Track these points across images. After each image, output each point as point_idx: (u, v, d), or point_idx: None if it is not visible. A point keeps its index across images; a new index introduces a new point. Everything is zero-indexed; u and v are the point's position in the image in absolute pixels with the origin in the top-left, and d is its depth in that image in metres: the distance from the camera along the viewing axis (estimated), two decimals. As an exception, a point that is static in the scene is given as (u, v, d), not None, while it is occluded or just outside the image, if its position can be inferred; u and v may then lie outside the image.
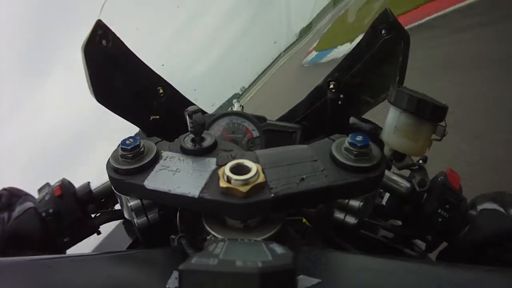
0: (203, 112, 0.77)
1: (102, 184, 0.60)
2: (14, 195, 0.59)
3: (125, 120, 0.73)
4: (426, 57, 3.91)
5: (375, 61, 0.67)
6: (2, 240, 0.52)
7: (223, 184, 0.38)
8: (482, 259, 0.49)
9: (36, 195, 0.60)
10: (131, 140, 0.44)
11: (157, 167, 0.44)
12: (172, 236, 0.42)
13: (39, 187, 0.61)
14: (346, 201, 0.47)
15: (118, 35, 0.66)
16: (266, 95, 2.73)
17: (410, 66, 0.62)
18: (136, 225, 0.49)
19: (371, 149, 0.43)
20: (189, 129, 0.45)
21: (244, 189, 0.37)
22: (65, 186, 0.58)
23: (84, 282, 0.31)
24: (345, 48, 0.87)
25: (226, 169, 0.39)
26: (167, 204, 0.44)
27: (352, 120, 0.58)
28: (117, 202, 0.55)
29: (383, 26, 0.63)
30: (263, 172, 0.40)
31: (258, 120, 0.77)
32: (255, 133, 0.76)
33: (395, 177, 0.57)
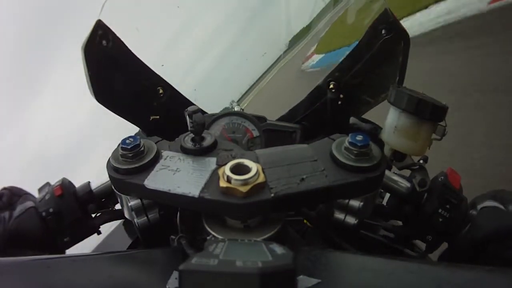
0: (203, 112, 0.77)
1: (103, 184, 0.60)
2: (15, 194, 0.59)
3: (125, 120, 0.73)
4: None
5: (375, 61, 0.67)
6: (3, 239, 0.53)
7: (223, 184, 0.38)
8: (483, 257, 0.49)
9: (36, 194, 0.60)
10: (131, 139, 0.44)
11: (157, 166, 0.44)
12: (172, 236, 0.42)
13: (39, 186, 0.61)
14: (346, 201, 0.47)
15: (118, 35, 0.66)
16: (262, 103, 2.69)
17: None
18: (137, 225, 0.49)
19: (371, 149, 0.43)
20: (189, 129, 0.45)
21: (244, 189, 0.37)
22: (66, 185, 0.58)
23: (84, 282, 0.32)
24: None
25: (226, 169, 0.39)
26: (167, 203, 0.44)
27: (352, 120, 0.58)
28: (118, 202, 0.55)
29: (383, 26, 0.63)
30: (263, 172, 0.40)
31: (258, 120, 0.77)
32: (255, 133, 0.76)
33: (395, 177, 0.57)
